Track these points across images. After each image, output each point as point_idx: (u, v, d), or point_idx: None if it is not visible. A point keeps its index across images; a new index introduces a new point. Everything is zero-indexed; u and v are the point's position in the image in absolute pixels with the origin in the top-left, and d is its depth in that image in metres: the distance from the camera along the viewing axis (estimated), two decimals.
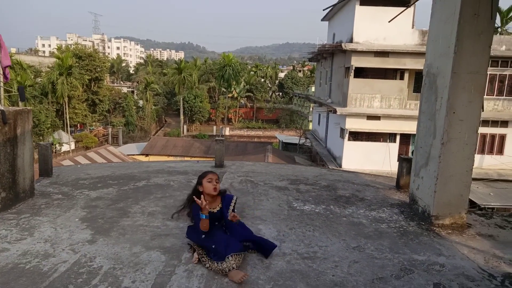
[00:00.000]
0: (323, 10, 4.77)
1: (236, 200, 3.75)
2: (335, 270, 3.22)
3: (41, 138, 33.61)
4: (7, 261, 3.15)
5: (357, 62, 19.61)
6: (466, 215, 4.47)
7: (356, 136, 20.29)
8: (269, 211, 4.61)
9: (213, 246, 3.18)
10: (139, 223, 4.07)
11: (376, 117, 19.91)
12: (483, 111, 4.54)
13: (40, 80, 42.75)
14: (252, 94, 63.50)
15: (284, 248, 3.59)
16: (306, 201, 5.07)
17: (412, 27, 19.46)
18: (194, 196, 3.44)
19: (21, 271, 3.00)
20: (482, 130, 19.35)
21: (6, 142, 4.20)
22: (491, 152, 19.89)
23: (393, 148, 19.88)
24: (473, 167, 4.26)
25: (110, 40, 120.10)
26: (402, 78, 20.76)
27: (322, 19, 26.58)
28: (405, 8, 5.24)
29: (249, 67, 74.19)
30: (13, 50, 59.71)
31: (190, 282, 2.91)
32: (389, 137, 20.31)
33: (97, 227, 3.90)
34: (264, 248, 3.40)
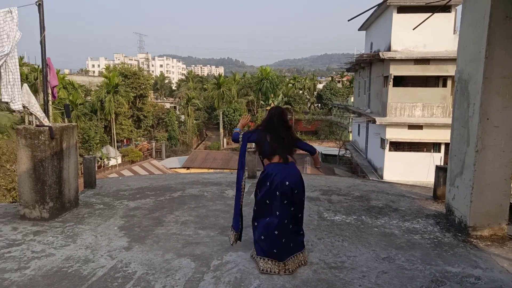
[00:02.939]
0: (348, 20, 4.79)
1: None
2: (362, 280, 3.19)
3: (90, 153, 35.47)
4: (52, 265, 3.42)
5: (396, 70, 19.14)
6: (508, 226, 4.25)
7: (397, 146, 19.66)
8: None
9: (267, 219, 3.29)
10: (172, 231, 4.25)
11: (418, 126, 19.20)
12: None
13: (90, 99, 45.48)
14: (290, 106, 63.43)
15: (312, 257, 3.60)
16: (337, 212, 5.04)
17: (454, 33, 18.75)
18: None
19: (64, 274, 3.25)
20: None
21: (53, 156, 4.57)
22: None
23: (438, 158, 19.01)
24: None
25: (154, 59, 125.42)
26: (445, 85, 19.96)
27: (359, 29, 26.27)
28: (430, 14, 5.13)
29: (287, 79, 74.34)
30: (66, 71, 64.00)
31: None
32: (433, 146, 19.48)
33: (133, 235, 4.13)
34: None
